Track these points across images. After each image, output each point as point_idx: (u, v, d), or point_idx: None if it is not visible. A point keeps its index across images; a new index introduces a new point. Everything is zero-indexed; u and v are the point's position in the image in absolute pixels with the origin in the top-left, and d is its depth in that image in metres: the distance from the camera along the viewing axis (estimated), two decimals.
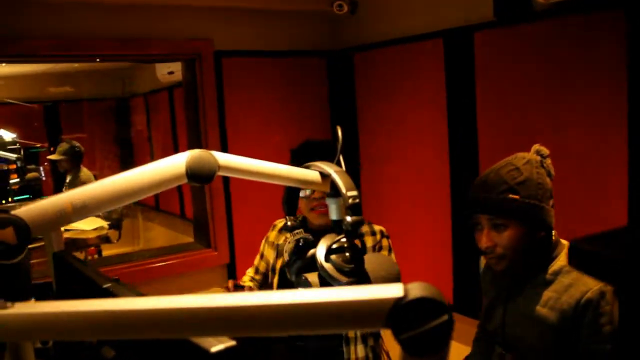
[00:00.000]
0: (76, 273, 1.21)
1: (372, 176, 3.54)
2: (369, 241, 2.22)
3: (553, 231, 1.65)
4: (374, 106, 3.46)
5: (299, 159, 2.19)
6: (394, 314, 0.51)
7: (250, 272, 2.40)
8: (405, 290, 0.51)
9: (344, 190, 1.02)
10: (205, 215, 3.32)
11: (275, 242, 2.31)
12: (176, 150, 5.62)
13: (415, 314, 0.50)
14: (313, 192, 2.11)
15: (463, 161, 2.91)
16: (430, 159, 3.10)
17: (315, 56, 3.57)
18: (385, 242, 2.25)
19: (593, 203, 2.36)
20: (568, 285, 1.54)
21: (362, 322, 0.54)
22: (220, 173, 0.92)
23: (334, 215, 1.09)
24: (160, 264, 3.15)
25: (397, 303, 0.51)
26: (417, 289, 0.51)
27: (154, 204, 6.66)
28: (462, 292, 3.01)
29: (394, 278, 1.12)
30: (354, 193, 1.02)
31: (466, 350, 2.82)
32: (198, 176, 0.88)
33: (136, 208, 6.58)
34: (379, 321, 0.51)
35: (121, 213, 5.23)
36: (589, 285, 1.49)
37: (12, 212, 0.72)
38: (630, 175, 2.21)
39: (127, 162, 6.64)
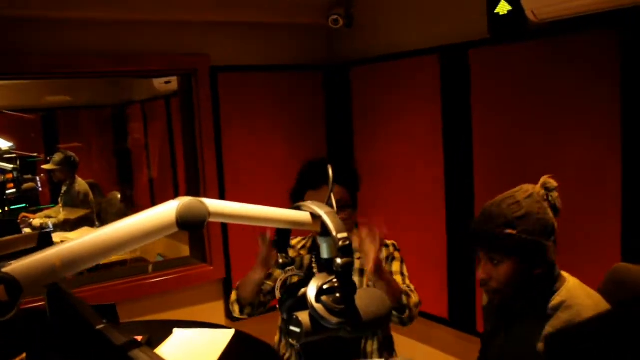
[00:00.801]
0: (69, 308, 1.21)
1: (367, 190, 3.54)
2: (383, 252, 2.29)
3: (555, 266, 1.63)
4: (370, 120, 3.48)
5: (306, 180, 2.22)
6: None
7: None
8: None
9: (334, 233, 1.03)
10: None
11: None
12: (173, 159, 5.62)
13: None
14: None
15: (458, 176, 2.92)
16: (425, 174, 3.11)
17: (311, 70, 3.59)
18: (397, 254, 2.34)
19: (587, 219, 2.37)
20: (565, 321, 1.52)
21: None
22: (212, 219, 0.93)
23: (325, 254, 1.10)
24: (156, 279, 3.17)
25: None
26: None
27: None
28: (457, 306, 3.02)
29: (385, 314, 1.13)
30: (344, 235, 1.03)
31: None
32: (188, 225, 0.88)
33: (134, 213, 6.56)
34: None
35: None
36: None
37: (3, 270, 0.73)
38: (625, 193, 2.23)
39: (125, 170, 6.64)
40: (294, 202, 2.25)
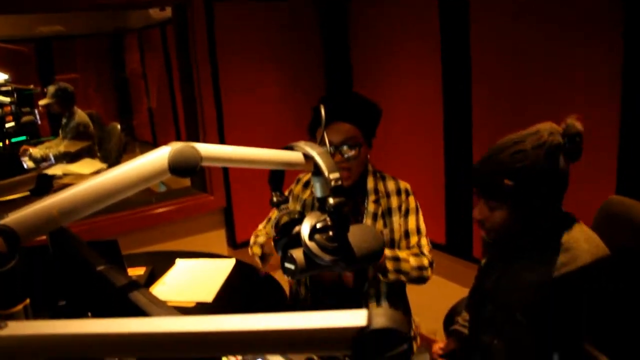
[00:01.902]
0: (72, 248, 1.24)
1: None
2: (394, 201, 2.23)
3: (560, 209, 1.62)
4: (369, 53, 3.43)
5: (316, 117, 2.17)
6: (357, 341, 0.54)
7: (259, 229, 2.39)
8: (369, 319, 0.55)
9: (326, 173, 1.04)
10: None
11: (300, 196, 2.34)
12: (171, 89, 5.58)
13: (377, 342, 0.54)
14: (334, 155, 2.10)
15: (456, 105, 2.91)
16: (423, 103, 3.10)
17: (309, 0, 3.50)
18: (412, 202, 2.26)
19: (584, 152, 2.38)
20: (562, 263, 1.52)
21: (327, 348, 0.57)
22: (204, 164, 0.94)
23: (318, 192, 1.11)
24: (158, 210, 3.21)
25: (361, 332, 0.54)
26: (380, 318, 0.55)
27: (151, 139, 6.67)
28: (454, 234, 3.08)
29: (378, 251, 1.16)
30: (336, 175, 1.04)
31: (456, 287, 2.92)
32: (181, 170, 0.90)
33: (134, 144, 6.59)
34: (344, 347, 0.55)
35: (119, 152, 5.25)
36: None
37: (1, 222, 0.75)
38: (622, 127, 2.22)
39: (124, 101, 6.60)
40: (311, 135, 2.23)
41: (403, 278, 2.14)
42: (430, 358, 2.01)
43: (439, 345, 2.01)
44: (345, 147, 2.11)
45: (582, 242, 1.54)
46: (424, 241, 2.25)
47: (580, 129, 1.49)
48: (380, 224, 2.20)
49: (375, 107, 2.22)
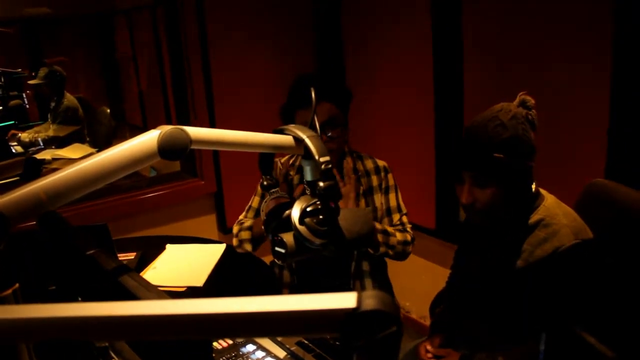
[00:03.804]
0: (61, 232, 1.23)
1: (356, 102, 3.53)
2: (375, 180, 2.26)
3: (533, 184, 1.65)
4: (360, 29, 3.42)
5: (295, 99, 2.16)
6: (346, 323, 0.55)
7: (242, 218, 2.38)
8: (359, 301, 0.55)
9: (316, 157, 1.04)
10: None
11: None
12: (162, 71, 5.53)
13: (367, 324, 0.54)
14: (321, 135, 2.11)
15: (447, 86, 2.91)
16: (414, 84, 3.09)
17: None
18: (391, 180, 2.29)
19: (573, 135, 2.39)
20: (543, 239, 1.56)
21: (316, 330, 0.57)
22: (194, 147, 0.93)
23: (308, 176, 1.12)
24: (147, 195, 3.20)
25: (350, 314, 0.54)
26: (370, 300, 0.55)
27: (142, 123, 6.61)
28: (444, 218, 3.09)
29: (368, 232, 1.17)
30: (327, 158, 1.04)
31: (446, 272, 2.93)
32: (170, 153, 0.90)
33: (125, 128, 6.53)
34: (333, 329, 0.55)
35: (109, 136, 5.21)
36: (563, 241, 1.52)
37: None
38: (612, 110, 2.23)
39: (113, 84, 6.54)
40: (284, 120, 2.22)
41: (390, 252, 2.17)
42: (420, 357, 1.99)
43: (427, 347, 1.98)
44: (329, 128, 2.13)
45: (561, 216, 1.58)
46: (405, 219, 2.29)
47: (533, 102, 1.60)
48: (362, 203, 2.22)
49: (347, 87, 2.30)
